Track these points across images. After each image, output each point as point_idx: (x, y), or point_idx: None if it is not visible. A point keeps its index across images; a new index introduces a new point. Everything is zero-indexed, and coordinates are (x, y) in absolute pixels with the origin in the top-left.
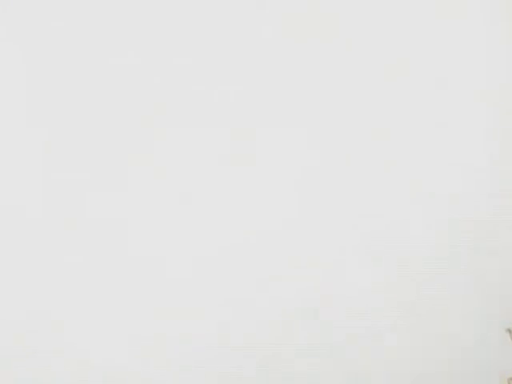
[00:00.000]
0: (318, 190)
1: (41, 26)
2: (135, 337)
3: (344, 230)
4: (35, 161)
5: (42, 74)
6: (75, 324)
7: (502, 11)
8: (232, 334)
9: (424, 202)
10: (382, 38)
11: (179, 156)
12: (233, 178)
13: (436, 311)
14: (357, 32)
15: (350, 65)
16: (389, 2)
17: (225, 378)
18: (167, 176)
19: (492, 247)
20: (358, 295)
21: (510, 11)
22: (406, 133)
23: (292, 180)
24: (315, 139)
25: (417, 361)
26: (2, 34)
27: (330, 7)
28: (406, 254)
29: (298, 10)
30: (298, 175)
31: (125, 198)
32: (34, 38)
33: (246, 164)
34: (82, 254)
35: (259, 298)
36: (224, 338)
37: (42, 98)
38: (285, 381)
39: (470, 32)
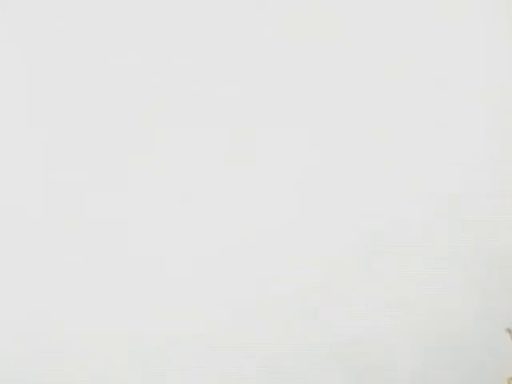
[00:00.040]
0: (317, 190)
1: (41, 26)
2: (135, 337)
3: (344, 230)
4: (35, 161)
5: (41, 74)
6: (75, 324)
7: (502, 11)
8: (232, 333)
9: (424, 202)
10: (382, 38)
11: (179, 156)
12: (233, 178)
13: (436, 311)
14: (357, 32)
15: (349, 65)
16: (389, 2)
17: (225, 378)
18: (167, 176)
19: (492, 247)
20: (358, 295)
21: (510, 11)
22: (406, 133)
23: (292, 180)
24: (315, 139)
25: (417, 361)
26: (2, 34)
27: (330, 7)
28: (406, 253)
29: (297, 10)
30: (297, 175)
31: (125, 197)
32: (33, 38)
33: (246, 164)
34: (82, 253)
35: (259, 298)
36: (224, 338)
37: (42, 98)
38: (285, 381)
39: (470, 32)
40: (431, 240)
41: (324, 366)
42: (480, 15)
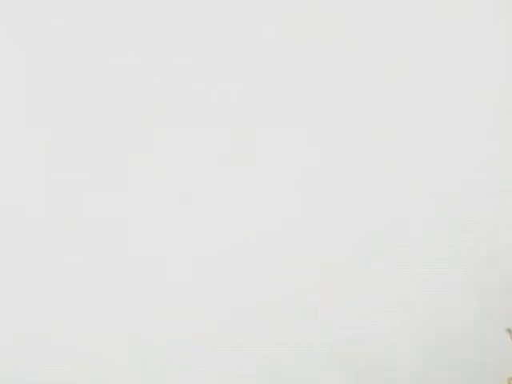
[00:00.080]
0: (317, 190)
1: (41, 26)
2: (135, 337)
3: (344, 229)
4: (35, 161)
5: (41, 74)
6: (75, 324)
7: (502, 11)
8: (232, 333)
9: (424, 202)
10: (382, 38)
11: (179, 156)
12: (233, 178)
13: (436, 311)
14: (357, 32)
15: (349, 65)
16: (389, 2)
17: (225, 378)
18: (167, 176)
19: (492, 247)
20: (358, 295)
21: (510, 11)
22: (406, 133)
23: (292, 180)
24: (315, 139)
25: (417, 361)
26: (2, 34)
27: (330, 7)
28: (406, 253)
29: (298, 10)
30: (297, 175)
31: (125, 197)
32: (34, 37)
33: (246, 164)
34: (82, 253)
35: (259, 298)
36: (224, 338)
37: (42, 98)
38: (285, 381)
39: (470, 32)
40: (431, 240)
41: (324, 365)
42: (480, 15)
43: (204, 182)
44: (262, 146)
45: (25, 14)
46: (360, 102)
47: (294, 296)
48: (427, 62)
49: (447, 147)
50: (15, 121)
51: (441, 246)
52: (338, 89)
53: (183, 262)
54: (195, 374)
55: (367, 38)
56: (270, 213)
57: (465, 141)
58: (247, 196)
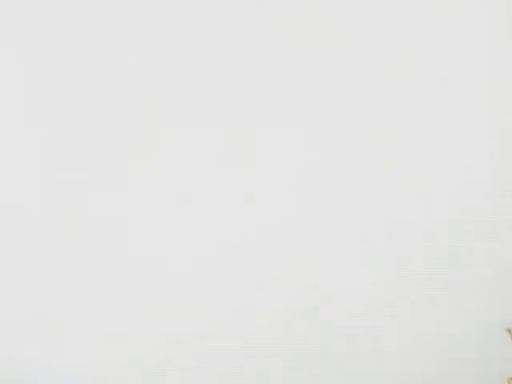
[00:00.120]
0: (317, 190)
1: (41, 26)
2: (135, 337)
3: (344, 229)
4: (35, 161)
5: (41, 74)
6: (75, 324)
7: (502, 11)
8: (232, 333)
9: (424, 202)
10: (382, 38)
11: (179, 156)
12: (233, 178)
13: (436, 311)
14: (357, 32)
15: (349, 65)
16: (389, 2)
17: (225, 378)
18: (167, 176)
19: (492, 247)
20: (358, 295)
21: (510, 11)
22: (406, 133)
23: (292, 180)
24: (315, 139)
25: (417, 361)
26: (2, 34)
27: (330, 7)
28: (406, 254)
29: (298, 10)
30: (298, 175)
31: (125, 197)
32: (34, 37)
33: (246, 164)
34: (82, 253)
35: (259, 298)
36: (224, 338)
37: (42, 98)
38: (285, 381)
39: (470, 32)
40: (431, 240)
41: (324, 366)
42: (480, 15)
43: (204, 182)
44: (262, 146)
45: (25, 13)
46: (360, 102)
47: (293, 296)
48: (427, 61)
49: (447, 147)
50: (15, 121)
51: (441, 246)
52: (338, 89)
53: (183, 261)
54: (195, 373)
55: (367, 37)
56: (270, 213)
57: (465, 141)
58: (247, 196)
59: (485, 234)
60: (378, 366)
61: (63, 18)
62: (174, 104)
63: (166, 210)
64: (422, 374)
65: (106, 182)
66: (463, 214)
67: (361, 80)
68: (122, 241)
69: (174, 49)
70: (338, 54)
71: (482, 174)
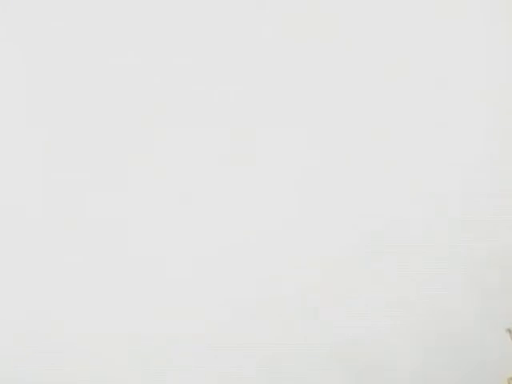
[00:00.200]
0: (317, 190)
1: (41, 26)
2: (135, 337)
3: (344, 229)
4: (35, 161)
5: (41, 74)
6: (75, 324)
7: (502, 11)
8: (232, 333)
9: (424, 202)
10: (382, 38)
11: (179, 156)
12: (233, 178)
13: (436, 311)
14: (357, 32)
15: (350, 65)
16: (389, 2)
17: (225, 378)
18: (167, 176)
19: (492, 247)
20: (358, 295)
21: (510, 11)
22: (406, 133)
23: (292, 180)
24: (315, 139)
25: (417, 361)
26: (2, 34)
27: (330, 7)
28: (406, 253)
29: (298, 10)
30: (298, 175)
31: (125, 197)
32: (34, 37)
33: (246, 164)
34: (82, 253)
35: (259, 298)
36: (224, 338)
37: (42, 98)
38: (285, 381)
39: (470, 32)
40: (431, 240)
41: (324, 365)
42: (480, 15)
43: (204, 182)
44: (262, 146)
45: (25, 13)
46: (360, 102)
47: (293, 296)
48: (427, 61)
49: (447, 147)
50: (15, 121)
51: (441, 246)
52: (338, 89)
53: (183, 261)
54: (195, 373)
55: (367, 38)
56: (270, 213)
57: (465, 141)
58: (247, 196)
59: (485, 233)
60: (378, 366)
61: (63, 17)
62: (174, 104)
63: (166, 210)
64: (422, 374)
65: (106, 182)
66: (463, 214)
67: (361, 80)
68: (122, 241)
69: (174, 49)
70: (337, 53)
71: (482, 173)
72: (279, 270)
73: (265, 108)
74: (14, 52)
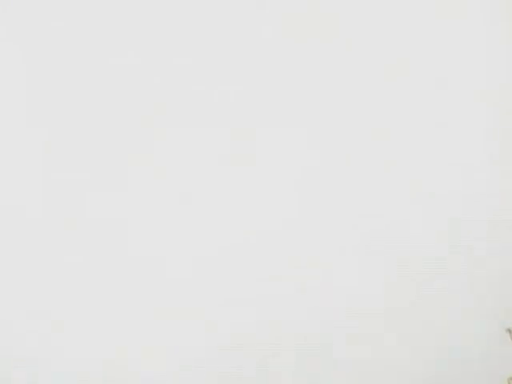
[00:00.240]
0: (317, 190)
1: (41, 26)
2: (135, 337)
3: (344, 229)
4: (35, 161)
5: (42, 74)
6: (75, 324)
7: (502, 11)
8: (232, 334)
9: (424, 202)
10: (382, 38)
11: (179, 156)
12: (233, 178)
13: (436, 311)
14: (357, 32)
15: (350, 65)
16: (389, 2)
17: (225, 378)
18: (167, 176)
19: (492, 247)
20: (358, 295)
21: (510, 11)
22: (406, 133)
23: (292, 180)
24: (315, 139)
25: (417, 361)
26: (2, 34)
27: (330, 7)
28: (406, 253)
29: (298, 10)
30: (297, 175)
31: (125, 197)
32: (34, 37)
33: (246, 164)
34: (82, 253)
35: (259, 298)
36: (224, 338)
37: (42, 98)
38: (285, 381)
39: (470, 32)
40: (431, 240)
41: (324, 365)
42: (480, 15)
43: (204, 182)
44: (262, 146)
45: (25, 13)
46: (360, 102)
47: (293, 296)
48: (427, 61)
49: (447, 147)
50: (15, 121)
51: (441, 246)
52: (338, 89)
53: (183, 261)
54: (195, 373)
55: (367, 38)
56: (269, 213)
57: (465, 141)
58: (247, 196)
59: (485, 234)
60: (378, 366)
61: (63, 17)
62: (174, 104)
63: (166, 210)
64: (421, 374)
65: (106, 182)
66: (463, 214)
67: (361, 80)
68: (122, 241)
69: (174, 49)
70: (337, 53)
71: (482, 173)
72: (279, 270)
73: (265, 108)
74: (14, 52)
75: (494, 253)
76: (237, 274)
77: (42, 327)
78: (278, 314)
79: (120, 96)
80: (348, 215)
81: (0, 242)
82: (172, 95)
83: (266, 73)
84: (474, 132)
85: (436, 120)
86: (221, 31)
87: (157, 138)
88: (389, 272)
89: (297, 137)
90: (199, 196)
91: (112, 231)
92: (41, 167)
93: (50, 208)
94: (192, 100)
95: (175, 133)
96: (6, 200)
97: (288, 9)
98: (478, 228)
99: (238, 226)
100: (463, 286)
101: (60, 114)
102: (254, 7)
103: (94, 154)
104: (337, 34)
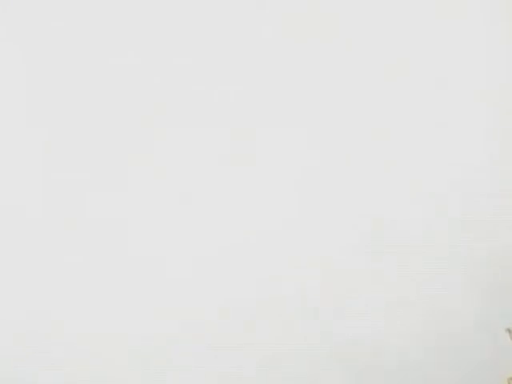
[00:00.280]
0: (317, 190)
1: (41, 26)
2: (135, 337)
3: (344, 229)
4: (35, 161)
5: (42, 74)
6: (75, 324)
7: (502, 11)
8: (232, 334)
9: (424, 202)
10: (382, 38)
11: (179, 156)
12: (233, 178)
13: (436, 311)
14: (357, 32)
15: (350, 65)
16: (389, 2)
17: (225, 378)
18: (167, 176)
19: (492, 247)
20: (358, 295)
21: (510, 11)
22: (406, 133)
23: (292, 180)
24: (315, 139)
25: (417, 361)
26: (2, 34)
27: (330, 7)
28: (406, 253)
29: (298, 10)
30: (297, 175)
31: (125, 197)
32: (34, 37)
33: (246, 164)
34: (82, 253)
35: (259, 298)
36: (224, 338)
37: (42, 98)
38: (285, 381)
39: (470, 32)
40: (431, 240)
41: (324, 365)
42: (480, 15)
43: (204, 182)
44: (262, 146)
45: (25, 13)
46: (360, 102)
47: (294, 296)
48: (427, 61)
49: (447, 147)
50: (15, 121)
51: (441, 246)
52: (338, 89)
53: (183, 261)
54: (195, 373)
55: (367, 37)
56: (269, 213)
57: (465, 141)
58: (247, 196)
59: (485, 234)
60: (378, 366)
61: (63, 17)
62: (174, 104)
63: (166, 210)
64: (421, 374)
65: (106, 182)
66: (463, 214)
67: (361, 80)
68: (122, 241)
69: (174, 49)
70: (337, 53)
71: (482, 173)
72: (279, 270)
73: (265, 108)
74: (14, 52)
75: (494, 253)
76: (237, 274)
77: (42, 327)
78: (277, 313)
79: (120, 96)
80: (348, 215)
81: (0, 242)
82: (172, 95)
83: (265, 73)
84: (473, 132)
85: (436, 120)
86: (221, 31)
87: (157, 138)
88: (389, 272)
89: (297, 137)
90: (199, 196)
91: (112, 231)
92: (41, 167)
93: (50, 208)
94: (192, 100)
95: (175, 133)
96: (6, 200)
97: (288, 9)
98: (478, 228)
99: (238, 226)
100: (463, 286)
101: (60, 114)
102: (254, 7)
103: (93, 154)
104: (337, 34)
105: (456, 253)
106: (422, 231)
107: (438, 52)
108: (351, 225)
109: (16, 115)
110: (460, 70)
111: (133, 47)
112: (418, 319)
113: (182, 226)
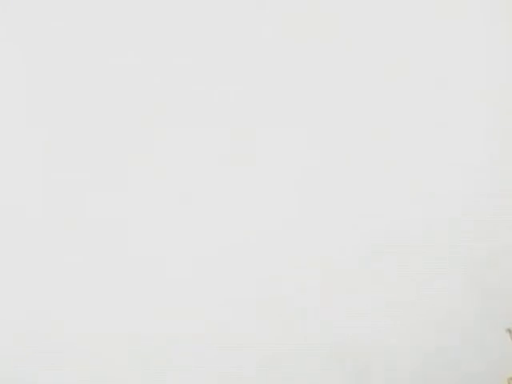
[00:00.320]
0: (317, 190)
1: (41, 26)
2: (135, 337)
3: (344, 229)
4: (35, 161)
5: (42, 74)
6: (75, 324)
7: (502, 11)
8: (232, 334)
9: (424, 202)
10: (382, 38)
11: (179, 156)
12: (233, 178)
13: (436, 311)
14: (357, 32)
15: (350, 65)
16: (389, 2)
17: (225, 378)
18: (167, 176)
19: (492, 247)
20: (358, 295)
21: (510, 11)
22: (406, 133)
23: (292, 180)
24: (315, 139)
25: (417, 361)
26: (2, 34)
27: (330, 7)
28: (406, 253)
29: (298, 10)
30: (298, 175)
31: (125, 197)
32: (34, 37)
33: (246, 164)
34: (82, 253)
35: (259, 298)
36: (224, 338)
37: (42, 98)
38: (285, 381)
39: (470, 32)
40: (431, 240)
41: (324, 366)
42: (480, 15)
43: (204, 182)
44: (262, 146)
45: (25, 13)
46: (360, 102)
47: (293, 296)
48: (427, 61)
49: (447, 147)
50: (15, 121)
51: (441, 246)
52: (338, 89)
53: (183, 261)
54: (195, 374)
55: (367, 38)
56: (269, 213)
57: (465, 141)
58: (247, 196)
59: (485, 234)
60: (378, 366)
61: (63, 17)
62: (174, 104)
63: (166, 210)
64: (422, 374)
65: (106, 182)
66: (463, 214)
67: (361, 80)
68: (122, 241)
69: (174, 49)
70: (338, 53)
71: (482, 173)
72: (279, 270)
73: (265, 108)
74: (14, 52)
75: (494, 253)
76: (237, 274)
77: (42, 327)
78: (277, 313)
79: (120, 96)
80: (348, 215)
81: (0, 242)
82: (172, 95)
83: (266, 73)
84: (474, 132)
85: (436, 120)
86: (221, 31)
87: (157, 138)
88: (389, 272)
89: (297, 137)
90: (199, 196)
91: (112, 231)
92: (41, 167)
93: (50, 208)
94: (192, 100)
95: (175, 133)
96: (6, 200)
97: (288, 9)
98: (478, 228)
99: (238, 226)
100: (463, 287)
101: (60, 114)
102: (254, 7)
103: (93, 154)
104: (337, 34)
105: (456, 253)
106: (422, 231)
107: (438, 52)
108: (351, 225)
109: (16, 115)
110: (460, 70)
111: (133, 47)
112: (418, 319)
113: (181, 226)
